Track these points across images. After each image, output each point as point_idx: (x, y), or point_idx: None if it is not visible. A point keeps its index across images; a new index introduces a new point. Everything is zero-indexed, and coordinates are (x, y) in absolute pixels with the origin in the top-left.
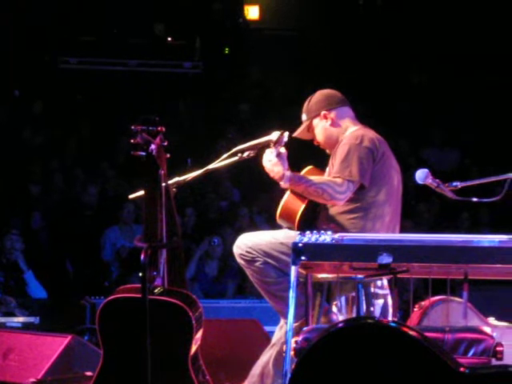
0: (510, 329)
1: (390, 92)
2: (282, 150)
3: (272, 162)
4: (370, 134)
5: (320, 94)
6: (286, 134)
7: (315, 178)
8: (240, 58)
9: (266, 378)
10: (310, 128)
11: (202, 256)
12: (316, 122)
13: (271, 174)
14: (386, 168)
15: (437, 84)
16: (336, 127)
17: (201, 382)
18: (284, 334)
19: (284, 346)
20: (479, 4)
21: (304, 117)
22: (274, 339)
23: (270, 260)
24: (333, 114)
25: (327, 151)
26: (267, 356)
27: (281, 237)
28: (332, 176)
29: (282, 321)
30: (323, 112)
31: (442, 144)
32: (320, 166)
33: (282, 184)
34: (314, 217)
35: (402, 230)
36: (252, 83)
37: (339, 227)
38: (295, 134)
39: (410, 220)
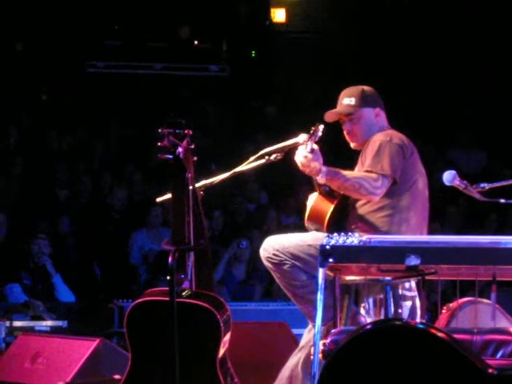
0: None
1: (417, 94)
2: (315, 146)
3: (308, 158)
4: (400, 134)
5: (374, 91)
6: (321, 126)
7: (351, 173)
8: (266, 60)
9: (295, 380)
10: (352, 114)
11: (230, 259)
12: (366, 112)
13: (307, 170)
14: (411, 171)
15: (465, 85)
16: (378, 126)
17: None
18: (313, 336)
19: (312, 349)
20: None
21: (351, 101)
22: (303, 342)
23: (297, 263)
24: (382, 115)
25: (352, 145)
26: (296, 359)
27: (308, 239)
28: (364, 170)
29: (311, 324)
30: (378, 108)
31: (469, 145)
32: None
33: (319, 179)
34: (343, 217)
35: (430, 232)
36: (279, 86)
37: (368, 226)
38: (328, 113)
39: (438, 222)
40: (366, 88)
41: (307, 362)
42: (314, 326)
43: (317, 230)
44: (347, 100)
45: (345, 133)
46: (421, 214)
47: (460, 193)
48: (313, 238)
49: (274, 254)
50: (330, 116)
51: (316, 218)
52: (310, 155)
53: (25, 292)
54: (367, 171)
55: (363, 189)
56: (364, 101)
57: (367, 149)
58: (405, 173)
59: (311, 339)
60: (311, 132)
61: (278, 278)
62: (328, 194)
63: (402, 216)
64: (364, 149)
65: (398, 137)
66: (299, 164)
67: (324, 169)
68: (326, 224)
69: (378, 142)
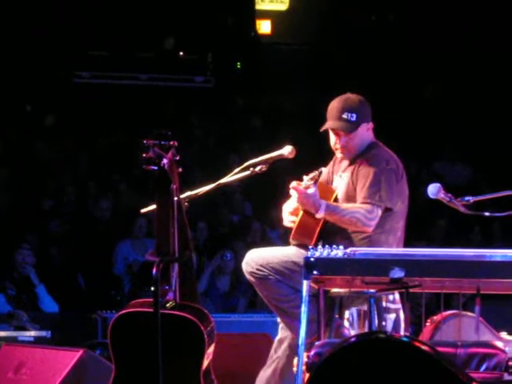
0: None
1: (402, 106)
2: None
3: (309, 195)
4: (391, 153)
5: (366, 102)
6: (324, 170)
7: (347, 206)
8: (252, 72)
9: None
10: (352, 129)
11: (214, 270)
12: (362, 128)
13: (306, 207)
14: (404, 185)
15: (449, 98)
16: (369, 139)
17: None
18: (286, 347)
19: (295, 361)
20: (492, 20)
21: (353, 117)
22: (278, 353)
23: (281, 278)
24: (371, 127)
25: (337, 154)
26: (270, 370)
27: (292, 255)
28: (361, 201)
29: (280, 333)
30: (371, 122)
31: (454, 159)
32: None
33: (317, 215)
34: (330, 234)
35: (415, 245)
36: (264, 97)
37: (352, 245)
38: (328, 128)
39: (423, 234)
40: (363, 100)
41: (284, 372)
42: (292, 338)
43: (298, 245)
44: (348, 115)
45: (338, 145)
46: (398, 236)
47: (444, 206)
48: (297, 254)
49: (258, 269)
50: (327, 128)
51: (303, 234)
52: (311, 192)
53: (8, 302)
54: (364, 202)
55: (360, 222)
56: (364, 116)
57: (360, 172)
58: (400, 189)
59: (286, 349)
60: (315, 179)
61: (260, 292)
62: None
63: (395, 224)
64: (356, 168)
65: (393, 160)
66: (299, 200)
67: (323, 205)
68: (314, 240)
69: (374, 169)
